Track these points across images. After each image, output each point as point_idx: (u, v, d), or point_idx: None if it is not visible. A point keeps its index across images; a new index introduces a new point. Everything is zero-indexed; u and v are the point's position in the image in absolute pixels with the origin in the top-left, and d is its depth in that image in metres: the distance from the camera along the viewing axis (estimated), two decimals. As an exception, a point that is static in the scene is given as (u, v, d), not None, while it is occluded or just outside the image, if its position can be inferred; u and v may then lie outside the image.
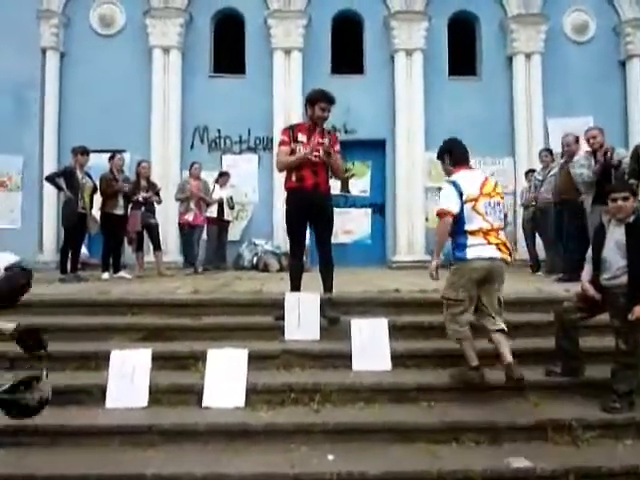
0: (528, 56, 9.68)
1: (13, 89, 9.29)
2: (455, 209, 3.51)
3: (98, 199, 7.06)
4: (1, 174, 9.37)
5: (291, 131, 4.39)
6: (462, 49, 10.00)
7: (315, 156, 4.23)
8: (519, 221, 8.64)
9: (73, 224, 6.59)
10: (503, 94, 9.79)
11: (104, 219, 6.97)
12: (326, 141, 4.27)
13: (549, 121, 9.67)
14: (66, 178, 6.57)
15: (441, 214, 3.60)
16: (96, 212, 7.04)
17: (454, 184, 3.59)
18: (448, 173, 3.82)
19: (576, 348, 3.63)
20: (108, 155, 7.37)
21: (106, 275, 6.80)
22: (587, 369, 3.66)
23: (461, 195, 3.53)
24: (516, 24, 9.66)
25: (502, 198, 3.72)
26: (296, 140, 4.30)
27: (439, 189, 10.11)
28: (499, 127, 9.69)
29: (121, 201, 7.02)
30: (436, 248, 3.74)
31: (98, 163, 7.67)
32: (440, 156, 3.91)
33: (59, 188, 6.66)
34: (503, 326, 3.56)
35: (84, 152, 6.76)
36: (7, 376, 2.13)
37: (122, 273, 7.02)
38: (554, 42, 9.77)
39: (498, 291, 3.69)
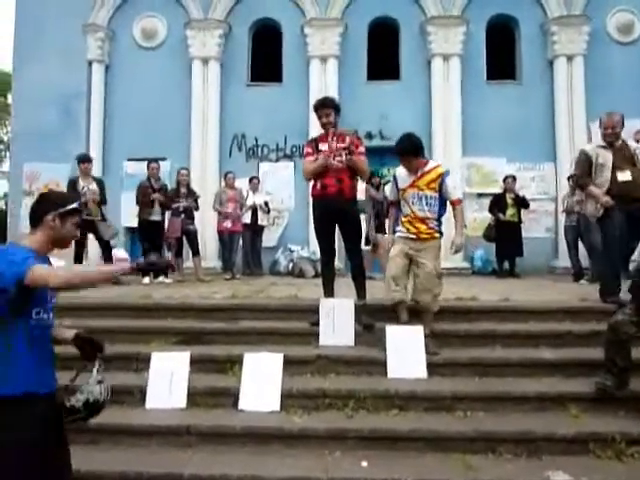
0: (570, 58, 9.44)
1: (61, 100, 9.72)
2: None
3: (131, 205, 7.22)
4: (50, 182, 9.78)
5: (314, 142, 4.51)
6: (501, 53, 9.85)
7: (339, 161, 4.28)
8: (561, 228, 8.40)
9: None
10: (544, 98, 9.57)
11: (140, 225, 7.18)
12: (347, 142, 4.33)
13: (592, 125, 9.37)
14: (72, 188, 6.67)
15: (460, 200, 4.29)
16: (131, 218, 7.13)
17: None
18: (416, 166, 4.12)
19: (629, 361, 3.47)
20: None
21: (146, 280, 6.98)
22: (632, 382, 3.52)
23: None
24: (557, 26, 9.45)
25: None
26: (319, 150, 4.38)
27: (479, 195, 10.00)
28: (539, 132, 9.47)
29: (157, 207, 7.18)
30: (461, 230, 4.22)
31: (138, 171, 7.90)
32: (417, 151, 4.11)
33: None
34: None
35: (84, 160, 6.94)
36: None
37: (162, 278, 7.20)
38: (597, 43, 9.49)
39: None
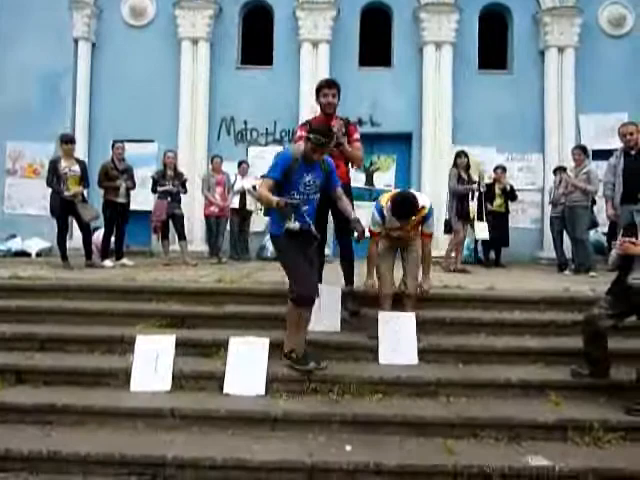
0: (561, 50, 9.46)
1: (46, 78, 9.53)
2: None
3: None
4: (34, 161, 9.63)
5: (308, 125, 4.39)
6: (493, 42, 9.83)
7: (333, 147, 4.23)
8: (546, 219, 8.48)
9: (59, 212, 6.61)
10: (534, 89, 9.59)
11: (104, 206, 7.06)
12: (338, 128, 4.25)
13: (581, 117, 9.44)
14: (53, 168, 6.58)
15: (432, 235, 4.26)
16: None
17: None
18: None
19: (605, 353, 3.53)
20: (139, 145, 7.42)
21: (108, 262, 6.84)
22: (612, 371, 3.59)
23: None
24: (549, 17, 9.44)
25: None
26: None
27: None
28: (529, 122, 9.51)
29: (123, 190, 7.05)
30: (429, 270, 4.25)
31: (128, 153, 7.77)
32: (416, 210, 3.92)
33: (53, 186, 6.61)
34: None
35: (67, 141, 6.75)
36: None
37: (124, 260, 7.09)
38: (589, 36, 9.50)
39: None
